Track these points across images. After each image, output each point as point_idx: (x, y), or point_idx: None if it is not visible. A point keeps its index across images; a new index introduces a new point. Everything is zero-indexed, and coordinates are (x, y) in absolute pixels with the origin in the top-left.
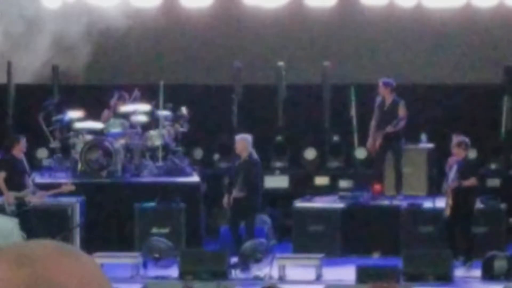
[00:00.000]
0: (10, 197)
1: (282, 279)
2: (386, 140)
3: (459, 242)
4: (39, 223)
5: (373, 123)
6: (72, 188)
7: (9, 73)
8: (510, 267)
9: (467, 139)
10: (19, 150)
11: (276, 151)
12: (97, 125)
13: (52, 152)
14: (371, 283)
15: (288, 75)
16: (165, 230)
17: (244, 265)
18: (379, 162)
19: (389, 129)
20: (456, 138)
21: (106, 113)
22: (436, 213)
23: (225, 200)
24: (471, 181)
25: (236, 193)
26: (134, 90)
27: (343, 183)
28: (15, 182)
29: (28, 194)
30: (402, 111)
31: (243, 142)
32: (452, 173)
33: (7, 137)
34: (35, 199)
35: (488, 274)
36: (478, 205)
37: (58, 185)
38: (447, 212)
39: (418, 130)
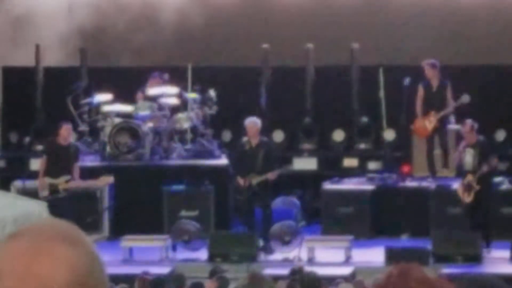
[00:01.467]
0: (43, 183)
1: (311, 261)
2: (439, 124)
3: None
4: (69, 206)
5: (419, 104)
6: (111, 180)
7: (38, 56)
8: None
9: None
10: (62, 136)
11: (304, 133)
12: (125, 107)
13: (80, 135)
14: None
15: (316, 57)
16: (194, 213)
17: (273, 247)
18: (429, 144)
19: (447, 111)
20: (468, 123)
21: (140, 94)
22: None
23: (241, 181)
24: (495, 162)
25: (271, 174)
26: (162, 73)
27: (372, 165)
28: (54, 168)
29: (62, 182)
30: (450, 93)
31: (256, 125)
32: (469, 158)
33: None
34: (72, 186)
35: None
36: (507, 185)
37: (91, 170)
38: (470, 198)
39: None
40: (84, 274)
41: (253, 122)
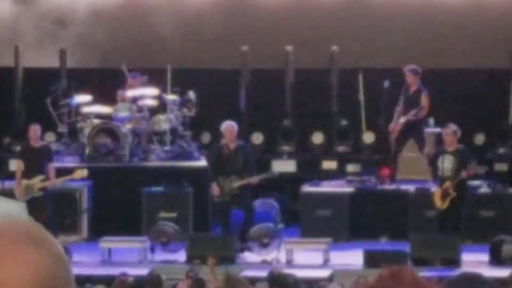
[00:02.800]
0: (19, 188)
1: (289, 263)
2: (407, 127)
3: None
4: (47, 206)
5: (398, 108)
6: (85, 173)
7: (17, 56)
8: None
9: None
10: (32, 138)
11: (283, 135)
12: (104, 109)
13: (59, 136)
14: (379, 267)
15: (295, 59)
16: (173, 215)
17: (251, 249)
18: (396, 148)
19: (409, 116)
20: (450, 127)
21: (120, 93)
22: None
23: (216, 190)
24: (475, 169)
25: (252, 178)
26: (142, 74)
27: (351, 168)
28: (29, 170)
29: (38, 182)
30: (424, 100)
31: (234, 129)
32: (449, 164)
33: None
34: (47, 184)
35: (496, 259)
36: (486, 189)
37: (70, 171)
38: (445, 205)
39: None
40: (50, 276)
41: (230, 126)
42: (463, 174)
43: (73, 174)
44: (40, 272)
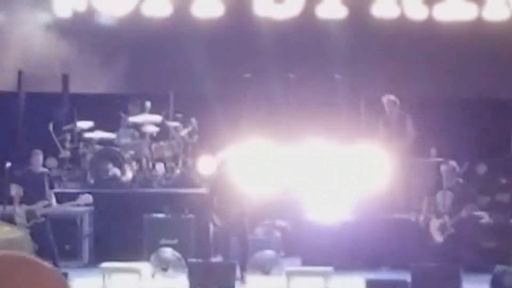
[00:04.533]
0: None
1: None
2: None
3: None
4: (49, 232)
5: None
6: (89, 200)
7: (20, 81)
8: None
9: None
10: (35, 163)
11: None
12: (107, 135)
13: (61, 162)
14: None
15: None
16: (174, 241)
17: (253, 277)
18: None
19: (400, 143)
20: (450, 164)
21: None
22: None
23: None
24: (475, 209)
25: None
26: (144, 100)
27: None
28: (30, 196)
29: (40, 208)
30: (410, 126)
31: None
32: (448, 200)
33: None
34: (49, 211)
35: None
36: (487, 219)
37: (72, 197)
38: (441, 239)
39: (428, 144)
40: None
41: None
42: (463, 213)
43: (78, 200)
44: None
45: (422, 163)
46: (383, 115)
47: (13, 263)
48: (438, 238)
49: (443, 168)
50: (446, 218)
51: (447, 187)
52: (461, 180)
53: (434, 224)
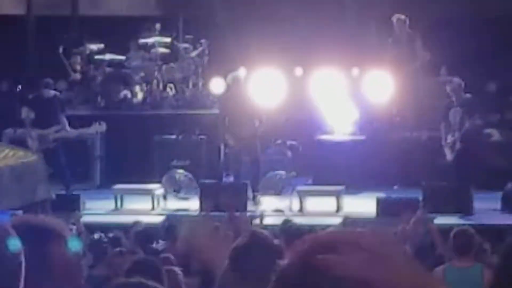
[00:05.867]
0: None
1: (302, 211)
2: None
3: None
4: (61, 155)
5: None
6: (102, 129)
7: (29, 5)
8: None
9: None
10: (46, 89)
11: None
12: (117, 57)
13: (72, 84)
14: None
15: None
16: (185, 163)
17: (264, 197)
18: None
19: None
20: (455, 81)
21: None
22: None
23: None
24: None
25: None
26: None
27: None
28: (41, 119)
29: (52, 133)
30: (420, 46)
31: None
32: (457, 117)
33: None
34: (61, 135)
35: (508, 206)
36: (497, 137)
37: (83, 119)
38: (452, 156)
39: (438, 63)
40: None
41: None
42: (467, 125)
43: (90, 128)
44: None
45: (432, 82)
46: (392, 35)
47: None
48: (449, 155)
49: (449, 87)
50: (456, 134)
51: (457, 104)
52: (468, 95)
53: (447, 142)
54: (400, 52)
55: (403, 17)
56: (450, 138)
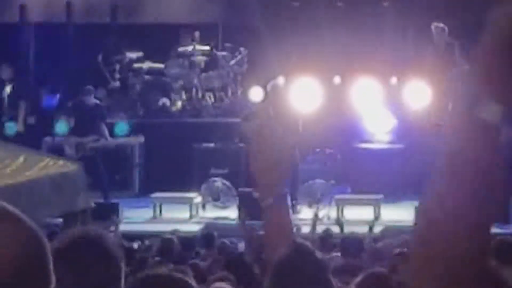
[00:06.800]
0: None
1: (340, 219)
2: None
3: None
4: (100, 164)
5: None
6: (140, 140)
7: (69, 12)
8: None
9: None
10: (87, 97)
11: None
12: (156, 65)
13: (111, 92)
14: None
15: None
16: (224, 171)
17: (303, 206)
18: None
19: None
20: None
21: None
22: None
23: None
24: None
25: None
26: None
27: None
28: (81, 128)
29: (90, 141)
30: (458, 54)
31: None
32: None
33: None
34: (99, 144)
35: None
36: None
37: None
38: None
39: None
40: (28, 249)
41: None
42: None
43: (129, 139)
44: (23, 244)
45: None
46: (431, 43)
47: None
48: None
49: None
50: None
51: None
52: None
53: None
54: (439, 60)
55: (441, 25)
56: None
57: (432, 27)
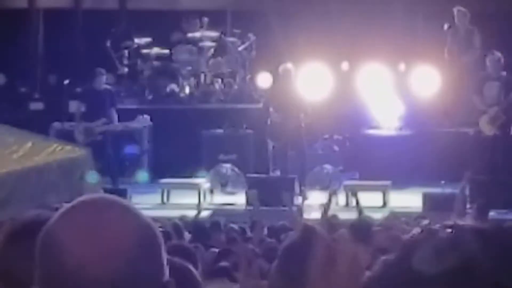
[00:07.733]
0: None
1: (348, 205)
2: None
3: None
4: (109, 149)
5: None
6: (146, 121)
7: None
8: None
9: None
10: (98, 81)
11: None
12: (164, 51)
13: (119, 78)
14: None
15: None
16: (232, 157)
17: (311, 191)
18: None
19: (467, 58)
20: (495, 53)
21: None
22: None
23: None
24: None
25: None
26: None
27: None
28: (90, 113)
29: (98, 126)
30: (478, 41)
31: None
32: (495, 91)
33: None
34: (107, 129)
35: None
36: None
37: (130, 113)
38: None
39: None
40: (142, 239)
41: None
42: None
43: (135, 121)
44: (140, 218)
45: (481, 77)
46: (452, 26)
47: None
48: (489, 131)
49: (488, 59)
50: (495, 108)
51: (493, 77)
52: (504, 73)
53: (484, 118)
54: (456, 44)
55: (464, 9)
56: (486, 115)
57: (455, 10)
